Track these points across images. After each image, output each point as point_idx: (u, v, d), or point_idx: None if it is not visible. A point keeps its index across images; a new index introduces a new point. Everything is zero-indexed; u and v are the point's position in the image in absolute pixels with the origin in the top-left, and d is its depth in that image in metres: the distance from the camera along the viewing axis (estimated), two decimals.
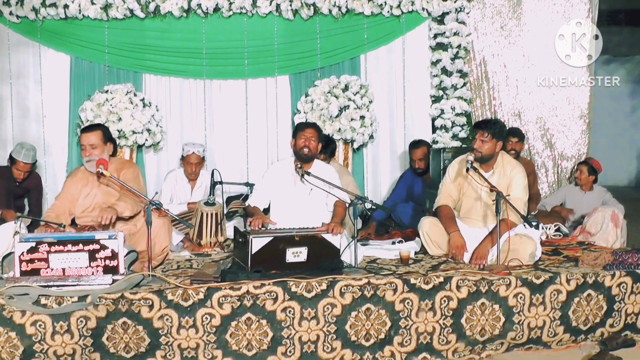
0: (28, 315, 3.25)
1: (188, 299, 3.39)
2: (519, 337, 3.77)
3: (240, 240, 3.98)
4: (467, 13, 7.02)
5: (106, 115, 6.27)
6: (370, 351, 3.61)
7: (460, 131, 6.94)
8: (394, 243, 4.99)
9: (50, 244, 3.45)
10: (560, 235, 5.48)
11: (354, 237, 4.03)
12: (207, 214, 4.93)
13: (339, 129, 6.50)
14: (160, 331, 3.37)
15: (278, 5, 6.71)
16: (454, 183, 4.63)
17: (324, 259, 3.81)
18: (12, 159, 5.78)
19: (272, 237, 3.77)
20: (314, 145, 4.56)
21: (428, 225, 4.53)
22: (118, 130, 6.26)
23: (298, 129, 4.65)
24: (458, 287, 3.69)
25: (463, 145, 6.64)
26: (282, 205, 4.59)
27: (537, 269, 4.00)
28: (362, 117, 6.56)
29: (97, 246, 3.49)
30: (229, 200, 5.93)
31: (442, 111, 6.96)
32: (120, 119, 6.28)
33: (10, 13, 6.51)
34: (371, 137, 6.78)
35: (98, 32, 6.65)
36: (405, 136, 7.10)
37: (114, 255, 3.49)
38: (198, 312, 3.40)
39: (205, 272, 3.83)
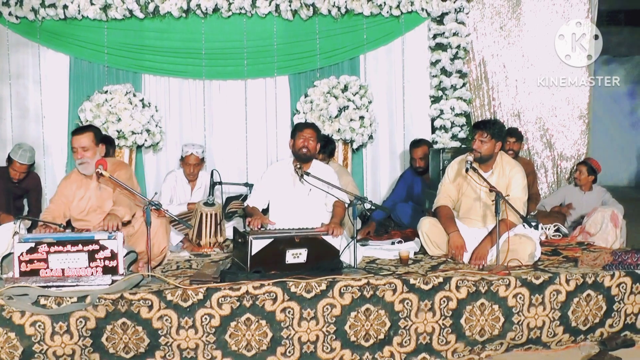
0: (27, 316, 3.25)
1: (187, 300, 3.39)
2: (518, 337, 3.77)
3: (239, 240, 3.98)
4: (467, 13, 7.02)
5: (105, 116, 6.27)
6: (370, 351, 3.61)
7: (459, 131, 6.94)
8: (393, 243, 4.99)
9: (50, 245, 3.45)
10: (559, 236, 5.48)
11: (354, 238, 4.03)
12: (206, 215, 4.93)
13: (339, 129, 6.50)
14: (159, 331, 3.37)
15: (277, 6, 6.71)
16: (453, 183, 4.63)
17: (323, 259, 3.81)
18: (9, 159, 5.78)
19: (272, 239, 3.77)
20: (312, 145, 4.56)
21: (427, 226, 4.53)
22: (117, 131, 6.26)
23: (296, 129, 4.65)
24: (457, 288, 3.69)
25: (462, 146, 6.64)
26: (281, 206, 4.59)
27: (537, 269, 4.00)
28: (362, 118, 6.56)
29: (96, 247, 3.49)
30: (228, 200, 5.93)
31: (442, 111, 6.96)
32: (119, 120, 6.28)
33: (10, 13, 6.51)
34: (370, 137, 6.78)
35: (97, 33, 6.66)
36: (404, 136, 7.10)
37: (114, 256, 3.50)
38: (197, 312, 3.40)
39: (204, 273, 3.83)
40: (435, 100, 7.02)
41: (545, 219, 5.81)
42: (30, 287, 3.35)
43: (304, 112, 6.60)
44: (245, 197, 5.63)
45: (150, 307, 3.35)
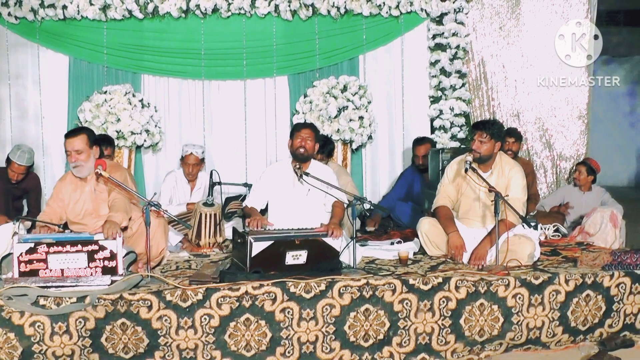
0: (27, 316, 3.25)
1: (187, 300, 3.39)
2: (517, 337, 3.77)
3: (238, 240, 3.97)
4: (466, 13, 7.02)
5: (105, 116, 6.26)
6: (369, 352, 3.61)
7: (458, 132, 6.94)
8: (392, 244, 4.99)
9: (49, 245, 3.46)
10: (559, 236, 5.48)
11: (353, 238, 4.03)
12: (205, 215, 4.93)
13: (338, 129, 6.50)
14: (159, 332, 3.37)
15: (277, 6, 6.71)
16: (453, 184, 4.63)
17: (323, 261, 3.81)
18: (8, 160, 5.77)
19: (272, 241, 3.76)
20: (310, 145, 4.56)
21: (427, 226, 4.54)
22: (117, 131, 6.26)
23: (295, 130, 4.65)
24: (457, 288, 3.69)
25: (462, 146, 6.65)
26: (280, 206, 4.59)
27: (536, 269, 4.00)
28: (361, 118, 6.56)
29: (95, 247, 3.49)
30: (228, 201, 5.93)
31: (441, 112, 6.96)
32: (118, 120, 6.28)
33: (9, 14, 6.51)
34: (370, 137, 6.77)
35: (97, 33, 6.65)
36: (403, 137, 7.11)
37: (113, 256, 3.50)
38: (197, 312, 3.40)
39: (204, 273, 3.83)
40: (435, 100, 7.02)
41: (545, 219, 5.81)
42: (30, 287, 3.35)
43: (303, 113, 6.60)
44: (244, 198, 5.63)
45: (150, 308, 3.35)
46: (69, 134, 4.21)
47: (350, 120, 6.52)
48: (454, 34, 6.94)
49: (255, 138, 7.02)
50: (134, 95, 6.44)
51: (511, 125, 7.05)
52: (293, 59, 6.95)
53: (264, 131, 7.03)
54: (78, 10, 6.50)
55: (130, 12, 6.57)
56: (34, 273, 3.43)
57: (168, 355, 3.39)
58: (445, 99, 6.98)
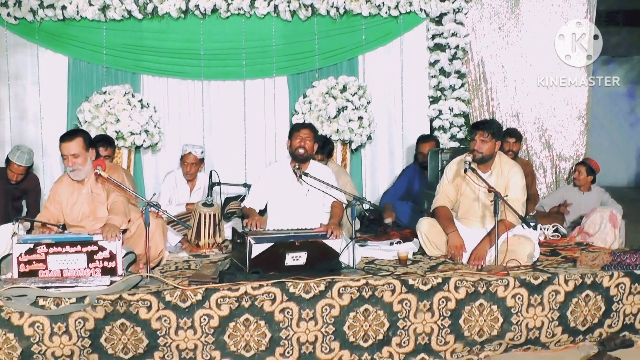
0: (26, 317, 3.25)
1: (186, 300, 3.39)
2: (517, 337, 3.77)
3: (238, 241, 3.97)
4: (465, 14, 7.02)
5: (104, 117, 6.26)
6: (369, 352, 3.61)
7: (458, 132, 6.95)
8: (392, 244, 4.99)
9: (49, 246, 3.46)
10: (558, 236, 5.47)
11: (352, 238, 4.03)
12: (205, 215, 4.92)
13: (337, 129, 6.50)
14: (158, 332, 3.37)
15: (276, 6, 6.71)
16: (452, 184, 4.63)
17: (322, 262, 3.80)
18: (7, 161, 5.77)
19: (272, 243, 3.74)
20: (309, 145, 4.56)
21: (426, 226, 4.53)
22: (116, 132, 6.25)
23: (294, 130, 4.65)
24: (456, 288, 3.69)
25: (461, 146, 6.64)
26: (279, 206, 4.59)
27: (536, 269, 3.99)
28: (360, 118, 6.56)
29: (95, 247, 3.49)
30: (227, 201, 5.92)
31: (440, 112, 6.97)
32: (118, 120, 6.27)
33: (8, 14, 6.51)
34: (369, 137, 6.77)
35: (96, 34, 6.65)
36: (403, 137, 7.11)
37: (112, 257, 3.50)
38: (196, 313, 3.40)
39: (203, 273, 3.82)
40: (434, 100, 7.02)
41: (544, 219, 5.81)
42: (29, 287, 3.35)
43: (302, 113, 6.60)
44: (243, 198, 5.63)
45: (149, 308, 3.35)
46: (64, 138, 4.13)
47: (350, 120, 6.52)
48: (453, 34, 6.95)
49: (255, 138, 7.02)
50: (133, 96, 6.43)
51: (511, 126, 7.05)
52: (292, 59, 6.95)
53: (263, 131, 7.03)
54: (77, 11, 6.50)
55: (129, 12, 6.57)
56: (33, 273, 3.43)
57: (167, 356, 3.38)
58: (445, 99, 6.98)
